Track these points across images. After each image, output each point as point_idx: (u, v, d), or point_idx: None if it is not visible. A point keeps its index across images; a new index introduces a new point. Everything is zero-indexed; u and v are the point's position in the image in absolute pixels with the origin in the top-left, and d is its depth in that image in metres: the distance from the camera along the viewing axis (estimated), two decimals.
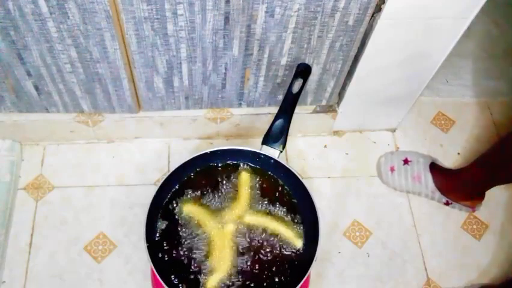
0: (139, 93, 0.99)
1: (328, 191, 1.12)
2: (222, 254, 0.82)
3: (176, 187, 0.88)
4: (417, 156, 1.12)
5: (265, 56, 0.92)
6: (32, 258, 0.98)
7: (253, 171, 0.91)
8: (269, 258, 0.84)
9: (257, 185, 0.90)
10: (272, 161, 0.88)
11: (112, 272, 0.98)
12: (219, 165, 0.91)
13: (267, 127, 0.88)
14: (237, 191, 0.89)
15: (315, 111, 1.12)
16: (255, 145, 0.90)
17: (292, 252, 0.85)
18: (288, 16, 0.82)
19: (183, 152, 1.13)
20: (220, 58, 0.91)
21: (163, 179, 0.85)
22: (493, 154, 1.01)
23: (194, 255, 0.82)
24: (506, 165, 0.96)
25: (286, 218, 0.87)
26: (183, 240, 0.84)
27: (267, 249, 0.84)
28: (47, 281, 0.96)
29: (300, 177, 0.86)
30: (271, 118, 0.88)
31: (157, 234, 0.84)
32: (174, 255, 0.83)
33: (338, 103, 1.11)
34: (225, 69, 0.94)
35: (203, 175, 0.90)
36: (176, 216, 0.86)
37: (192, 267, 0.82)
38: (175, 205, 0.87)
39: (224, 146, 0.89)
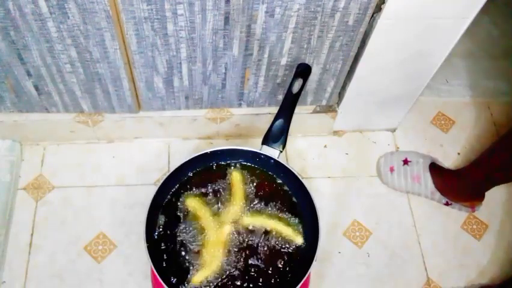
0: (139, 93, 0.99)
1: (328, 191, 1.12)
2: (219, 254, 0.82)
3: (176, 187, 0.88)
4: (417, 157, 1.12)
5: (265, 56, 0.92)
6: (32, 258, 0.98)
7: (253, 171, 0.91)
8: (269, 257, 0.84)
9: (257, 185, 0.90)
10: (272, 161, 0.88)
11: (112, 272, 0.98)
12: (219, 165, 0.91)
13: (267, 127, 0.88)
14: (236, 191, 0.89)
15: (315, 111, 1.12)
16: (255, 145, 0.90)
17: (292, 252, 0.85)
18: (288, 16, 0.82)
19: (183, 152, 1.13)
20: (220, 58, 0.91)
21: (163, 179, 0.85)
22: (493, 154, 1.01)
23: (194, 255, 0.82)
24: (505, 166, 0.96)
25: (286, 218, 0.87)
26: (183, 240, 0.84)
27: (267, 249, 0.84)
28: (47, 281, 0.96)
29: (300, 177, 0.86)
30: (271, 118, 0.88)
31: (157, 234, 0.84)
32: (174, 255, 0.82)
33: (338, 103, 1.11)
34: (225, 69, 0.94)
35: (203, 175, 0.90)
36: (176, 216, 0.86)
37: (192, 267, 0.82)
38: (175, 205, 0.87)
39: (224, 146, 0.89)
